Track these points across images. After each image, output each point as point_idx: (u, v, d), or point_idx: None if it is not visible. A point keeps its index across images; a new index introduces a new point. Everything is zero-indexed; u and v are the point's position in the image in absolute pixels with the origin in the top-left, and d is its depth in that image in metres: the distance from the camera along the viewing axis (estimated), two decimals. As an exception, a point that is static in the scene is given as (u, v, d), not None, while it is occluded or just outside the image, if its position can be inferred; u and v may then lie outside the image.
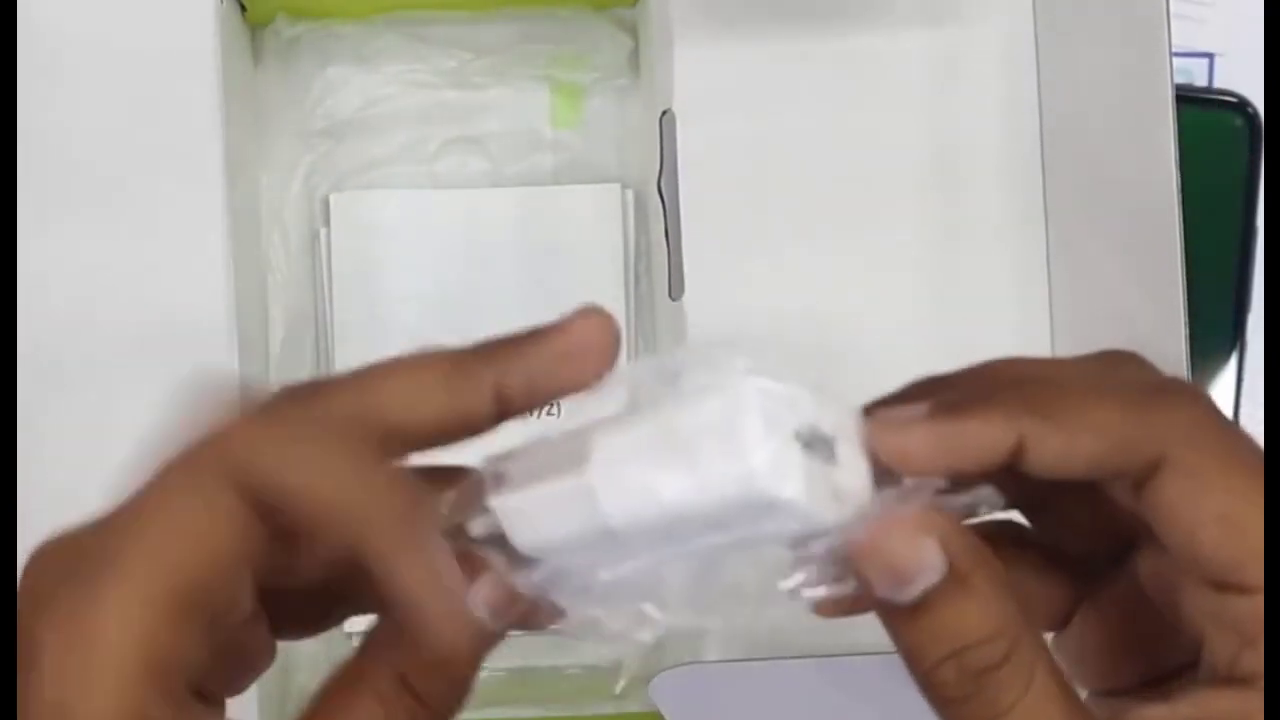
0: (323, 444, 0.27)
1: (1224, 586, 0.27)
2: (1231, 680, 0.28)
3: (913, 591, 0.26)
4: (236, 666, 0.30)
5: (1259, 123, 0.59)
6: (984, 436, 0.27)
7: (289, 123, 0.57)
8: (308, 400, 0.28)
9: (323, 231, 0.57)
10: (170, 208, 0.51)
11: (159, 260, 0.51)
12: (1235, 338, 0.59)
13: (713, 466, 0.25)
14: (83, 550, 0.27)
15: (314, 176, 0.57)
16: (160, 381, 0.51)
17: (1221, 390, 0.58)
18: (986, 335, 0.54)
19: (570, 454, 0.27)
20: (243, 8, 0.55)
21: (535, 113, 0.58)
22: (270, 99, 0.58)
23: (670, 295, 0.54)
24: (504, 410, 0.28)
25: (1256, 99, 0.59)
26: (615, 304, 0.57)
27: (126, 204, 0.51)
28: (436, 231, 0.57)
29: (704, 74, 0.53)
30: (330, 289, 0.57)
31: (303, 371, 0.57)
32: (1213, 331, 0.58)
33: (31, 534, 0.49)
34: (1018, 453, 0.27)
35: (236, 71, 0.53)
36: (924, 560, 0.26)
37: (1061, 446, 0.27)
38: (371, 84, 0.57)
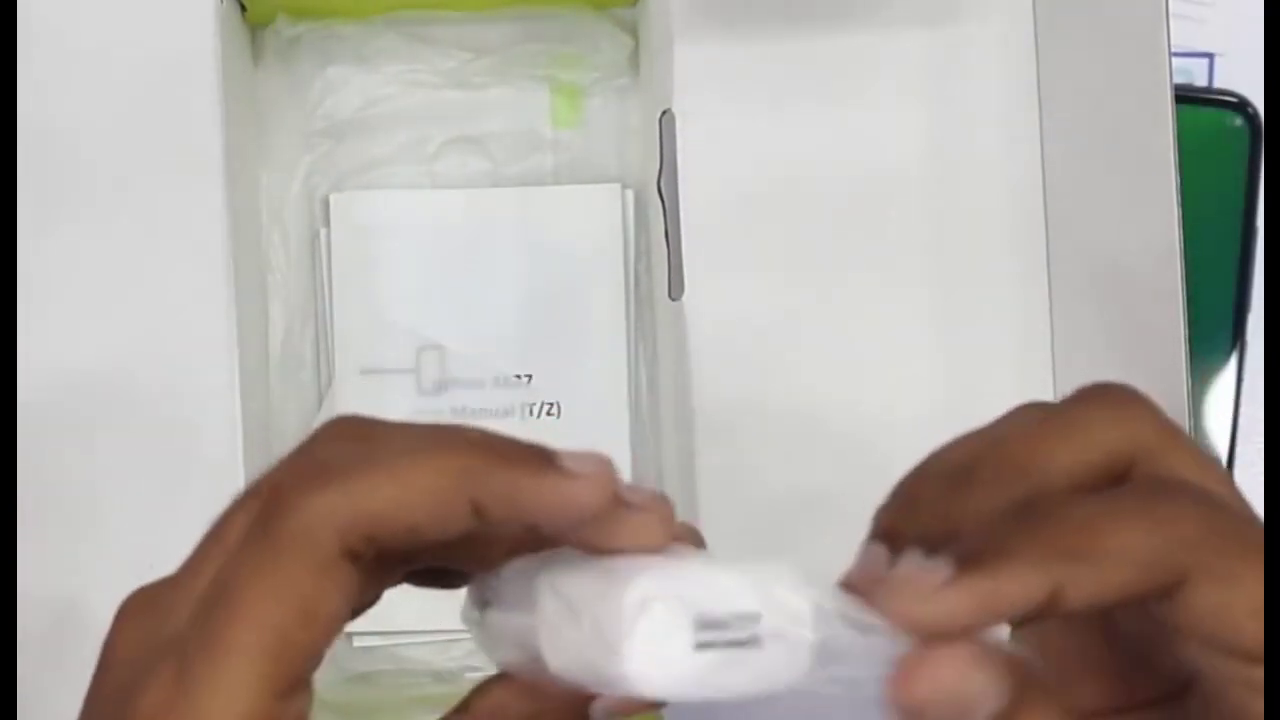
0: (400, 457, 0.27)
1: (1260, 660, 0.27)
2: None
3: None
4: None
5: (1259, 123, 0.59)
6: (1020, 591, 0.26)
7: (289, 123, 0.57)
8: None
9: (323, 231, 0.57)
10: (170, 208, 0.51)
11: (159, 260, 0.51)
12: (1235, 338, 0.59)
13: (588, 644, 0.26)
14: (175, 626, 0.27)
15: (314, 176, 0.57)
16: (159, 381, 0.51)
17: (1221, 390, 0.58)
18: (985, 333, 0.54)
19: (529, 590, 0.28)
20: (243, 8, 0.55)
21: (535, 113, 0.58)
22: (270, 99, 0.57)
23: (670, 295, 0.54)
24: (482, 521, 0.27)
25: (1256, 99, 0.59)
26: (615, 304, 0.57)
27: (126, 204, 0.51)
28: (436, 231, 0.57)
29: (704, 74, 0.53)
30: (330, 289, 0.57)
31: (303, 372, 0.57)
32: (1213, 331, 0.58)
33: (32, 528, 0.49)
34: (1053, 598, 0.27)
35: (236, 71, 0.53)
36: (985, 693, 0.26)
37: (1097, 587, 0.27)
38: (371, 84, 0.57)
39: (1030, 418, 0.30)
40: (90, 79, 0.51)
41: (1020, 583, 0.26)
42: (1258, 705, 0.28)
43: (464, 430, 0.28)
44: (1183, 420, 0.46)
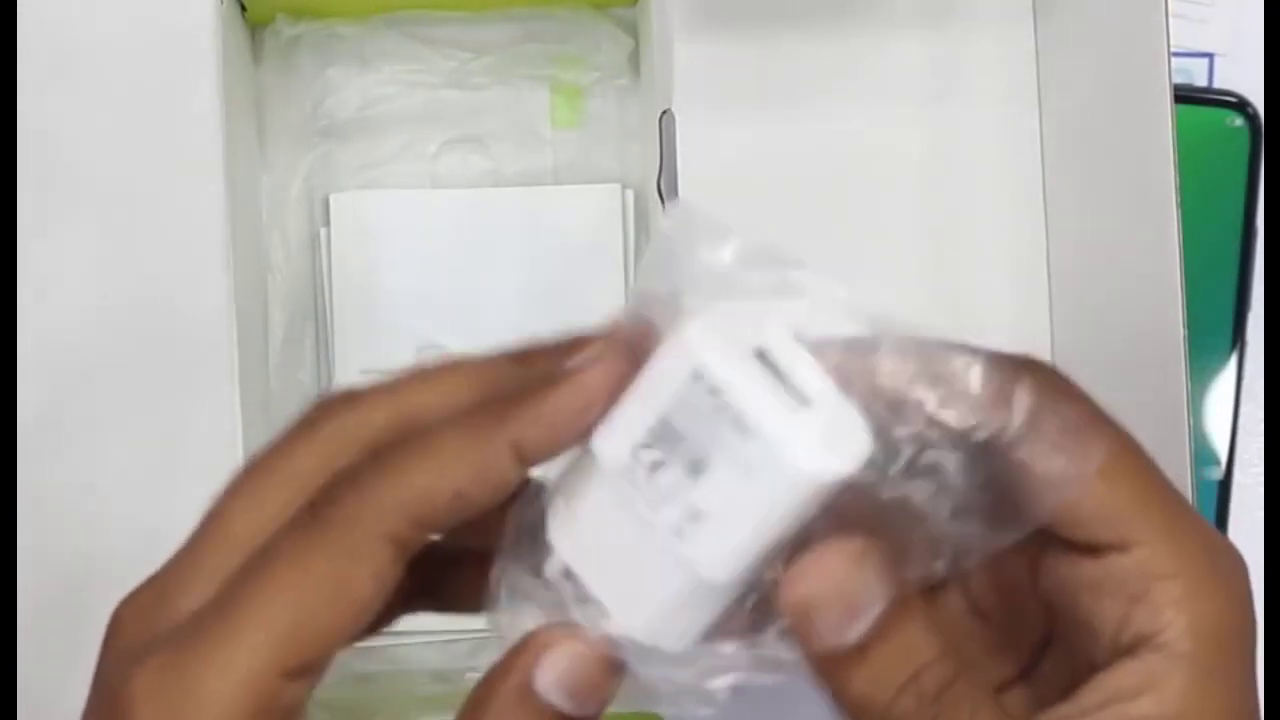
0: (432, 432, 0.27)
1: (1099, 549, 0.26)
2: (1127, 650, 0.26)
3: (862, 627, 0.25)
4: None
5: (1259, 123, 0.59)
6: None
7: (289, 123, 0.57)
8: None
9: (323, 231, 0.57)
10: (170, 208, 0.51)
11: (159, 260, 0.51)
12: (1235, 338, 0.59)
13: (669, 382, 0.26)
14: (184, 606, 0.27)
15: (314, 176, 0.57)
16: (160, 382, 0.51)
17: (1221, 390, 0.58)
18: (984, 332, 0.54)
19: None
20: (243, 8, 0.55)
21: (535, 113, 0.58)
22: (270, 99, 0.58)
23: (670, 295, 0.54)
24: (526, 466, 0.27)
25: (1256, 99, 0.59)
26: (615, 304, 0.57)
27: (127, 204, 0.51)
28: (436, 231, 0.57)
29: (704, 74, 0.53)
30: (330, 289, 0.57)
31: (302, 372, 0.57)
32: (1213, 331, 0.58)
33: (32, 525, 0.49)
34: None
35: (236, 71, 0.53)
36: (873, 591, 0.25)
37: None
38: (371, 84, 0.57)
39: None
40: (90, 79, 0.51)
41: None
42: (1108, 613, 0.26)
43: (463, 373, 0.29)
44: (1182, 420, 0.46)
